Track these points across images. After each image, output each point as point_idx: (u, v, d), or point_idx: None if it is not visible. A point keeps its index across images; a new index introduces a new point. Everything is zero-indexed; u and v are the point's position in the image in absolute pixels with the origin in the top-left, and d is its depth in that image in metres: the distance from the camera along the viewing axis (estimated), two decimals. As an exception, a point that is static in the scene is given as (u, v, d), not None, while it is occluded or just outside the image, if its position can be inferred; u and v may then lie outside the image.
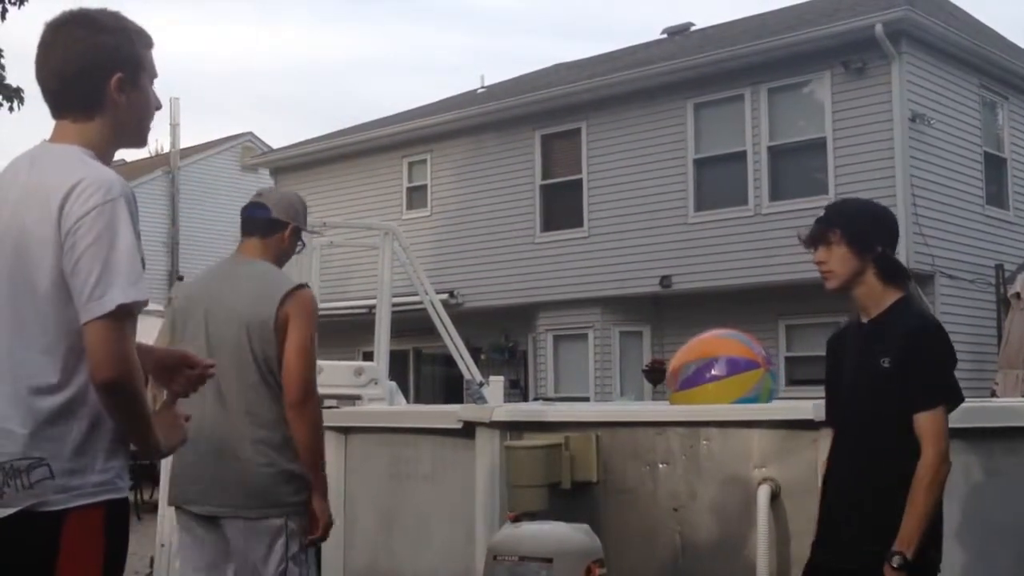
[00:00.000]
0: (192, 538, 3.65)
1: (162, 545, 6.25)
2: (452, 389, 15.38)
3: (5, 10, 12.44)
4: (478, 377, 9.08)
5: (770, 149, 14.71)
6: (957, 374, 3.17)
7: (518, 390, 16.73)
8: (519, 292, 16.86)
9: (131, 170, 26.33)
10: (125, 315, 2.19)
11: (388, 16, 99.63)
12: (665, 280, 15.37)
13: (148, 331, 3.27)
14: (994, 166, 15.38)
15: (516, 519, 4.23)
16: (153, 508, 8.44)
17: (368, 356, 9.74)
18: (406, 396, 12.63)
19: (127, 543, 2.36)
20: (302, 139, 21.35)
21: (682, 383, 5.06)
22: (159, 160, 28.26)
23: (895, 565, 2.95)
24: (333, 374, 6.78)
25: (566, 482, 4.54)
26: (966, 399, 3.22)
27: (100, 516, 2.25)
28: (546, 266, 16.60)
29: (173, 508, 3.73)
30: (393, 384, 7.94)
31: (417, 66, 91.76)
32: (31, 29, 2.50)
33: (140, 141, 2.49)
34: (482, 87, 21.38)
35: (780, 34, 14.92)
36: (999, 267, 14.53)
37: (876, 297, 3.22)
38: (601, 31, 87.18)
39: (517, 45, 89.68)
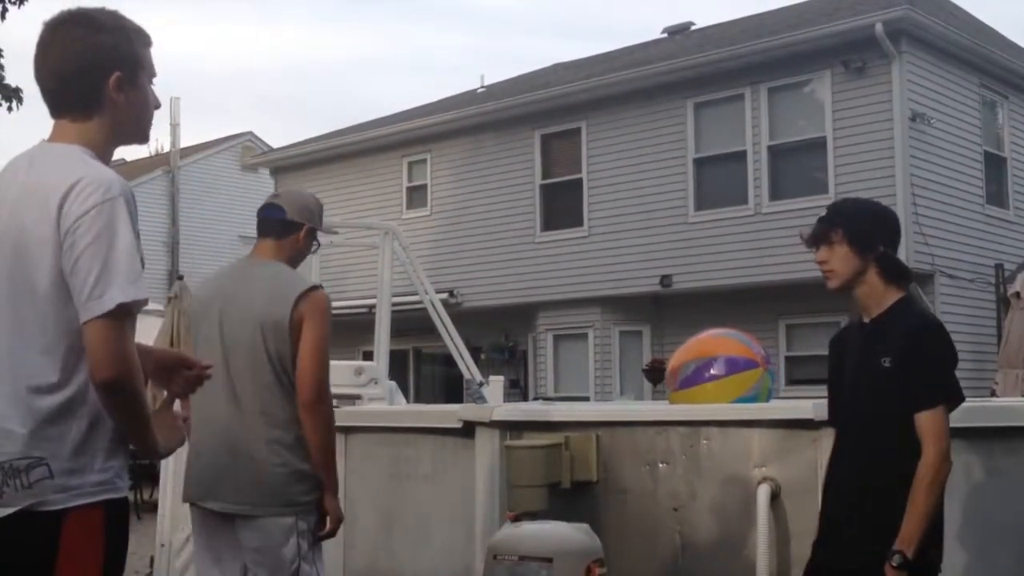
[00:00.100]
0: (205, 535, 3.69)
1: (162, 545, 6.25)
2: (452, 389, 15.39)
3: (5, 10, 12.45)
4: (478, 377, 9.08)
5: (770, 149, 14.71)
6: (957, 374, 3.17)
7: (518, 390, 16.73)
8: (519, 292, 16.86)
9: (131, 170, 26.36)
10: (124, 314, 2.19)
11: (388, 16, 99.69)
12: (665, 279, 15.37)
13: (148, 331, 3.28)
14: (994, 165, 15.38)
15: (516, 519, 4.23)
16: (153, 508, 8.44)
17: (368, 356, 9.74)
18: (406, 396, 12.63)
19: (127, 543, 2.36)
20: (302, 139, 21.37)
21: (681, 382, 5.05)
22: (159, 160, 28.27)
23: (895, 564, 2.95)
24: (333, 374, 6.70)
25: (566, 482, 4.54)
26: (966, 399, 3.22)
27: (99, 516, 2.24)
28: (546, 266, 16.60)
29: (187, 505, 3.76)
30: (393, 384, 7.93)
31: (417, 66, 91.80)
32: (31, 29, 2.50)
33: (141, 138, 2.49)
34: (482, 87, 21.38)
35: (780, 33, 14.91)
36: (999, 267, 14.53)
37: (878, 297, 3.21)
38: (601, 31, 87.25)
39: (517, 45, 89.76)
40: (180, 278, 12.57)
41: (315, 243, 3.92)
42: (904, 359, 3.06)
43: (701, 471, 4.39)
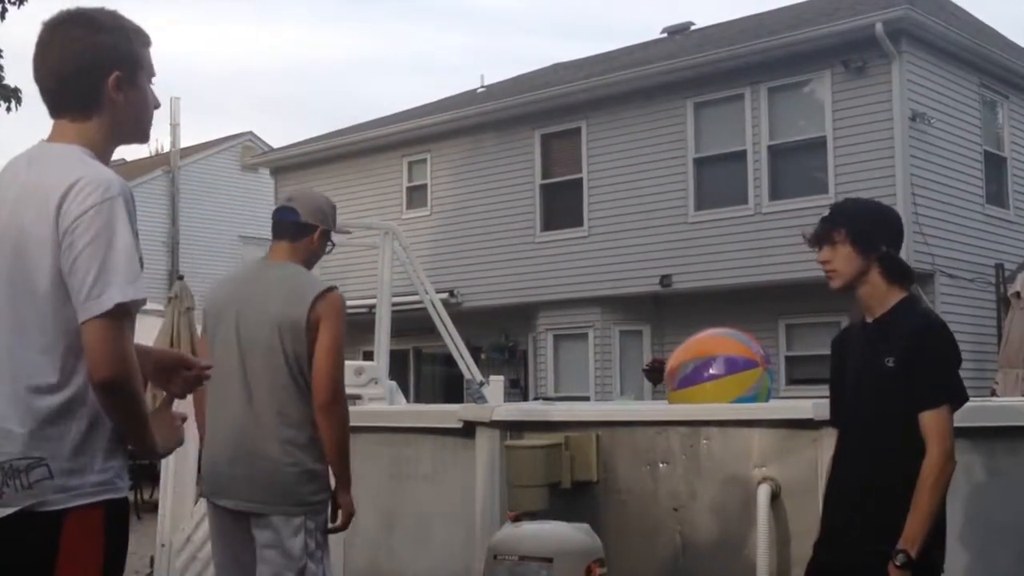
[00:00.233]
0: (220, 531, 3.78)
1: (162, 545, 6.25)
2: (452, 389, 15.38)
3: (5, 10, 12.45)
4: (478, 377, 9.08)
5: (770, 148, 14.71)
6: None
7: (518, 390, 16.73)
8: (519, 291, 16.86)
9: (131, 170, 26.36)
10: (123, 314, 2.19)
11: (388, 16, 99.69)
12: (665, 279, 15.37)
13: (147, 331, 3.28)
14: (994, 165, 15.37)
15: (516, 519, 4.23)
16: (153, 508, 8.44)
17: (368, 356, 9.73)
18: (406, 396, 12.62)
19: (127, 543, 2.36)
20: (302, 139, 21.36)
21: (680, 382, 5.05)
22: (159, 160, 28.27)
23: (899, 563, 2.94)
24: (333, 374, 6.75)
25: (566, 482, 4.53)
26: (969, 398, 3.21)
27: (99, 516, 2.24)
28: (546, 265, 16.60)
29: (191, 504, 3.82)
30: (393, 384, 7.93)
31: (417, 66, 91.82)
32: (30, 29, 2.50)
33: (141, 138, 2.49)
34: (482, 87, 21.37)
35: (780, 33, 14.91)
36: (999, 266, 14.53)
37: (880, 297, 3.21)
38: (600, 31, 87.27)
39: (517, 45, 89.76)
40: (180, 278, 12.57)
41: (329, 244, 3.97)
42: (908, 359, 3.05)
43: (701, 471, 4.38)
